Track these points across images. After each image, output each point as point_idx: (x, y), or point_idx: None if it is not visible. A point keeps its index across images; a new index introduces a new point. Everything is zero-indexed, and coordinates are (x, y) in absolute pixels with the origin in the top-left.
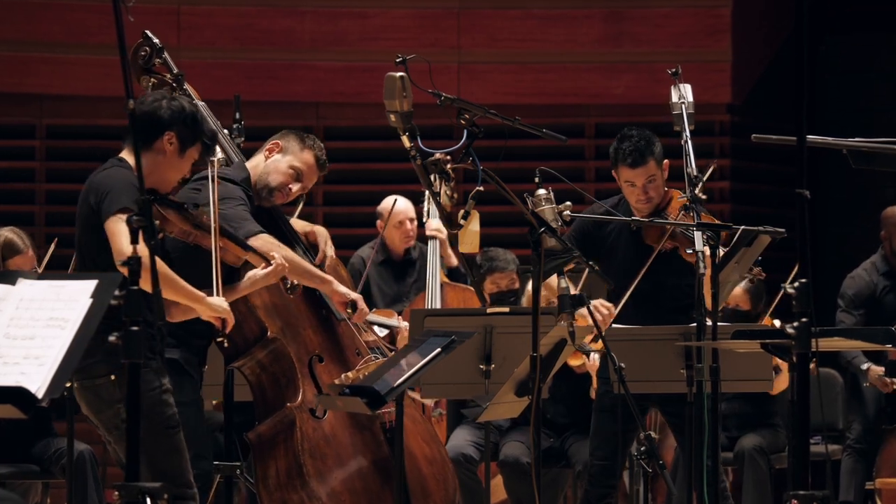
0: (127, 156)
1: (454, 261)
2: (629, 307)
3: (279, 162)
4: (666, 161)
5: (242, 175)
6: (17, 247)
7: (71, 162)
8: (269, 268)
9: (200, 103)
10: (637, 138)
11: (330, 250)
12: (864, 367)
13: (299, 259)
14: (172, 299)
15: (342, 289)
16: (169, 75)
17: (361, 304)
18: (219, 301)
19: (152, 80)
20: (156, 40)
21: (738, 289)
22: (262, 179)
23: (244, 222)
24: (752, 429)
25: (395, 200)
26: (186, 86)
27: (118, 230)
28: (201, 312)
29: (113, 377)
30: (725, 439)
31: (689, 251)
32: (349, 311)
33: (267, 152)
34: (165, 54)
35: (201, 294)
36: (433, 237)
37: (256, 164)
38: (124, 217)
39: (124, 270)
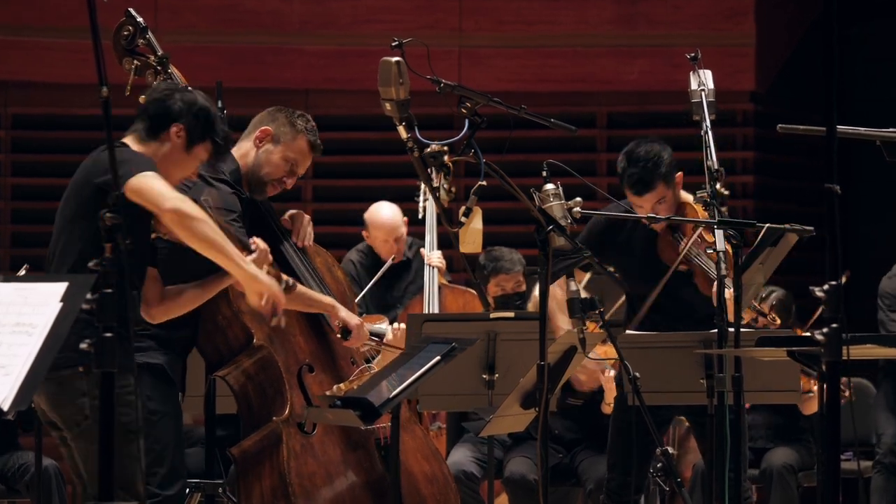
0: (130, 142)
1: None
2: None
3: (271, 153)
4: (679, 174)
5: (231, 167)
6: None
7: (38, 154)
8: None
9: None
10: (644, 161)
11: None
12: None
13: (308, 292)
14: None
15: (344, 313)
16: (153, 57)
17: (359, 330)
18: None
19: (135, 62)
20: (140, 19)
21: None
22: (253, 172)
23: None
24: (781, 442)
25: (381, 211)
26: (172, 69)
27: (149, 183)
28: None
29: (81, 368)
30: (751, 452)
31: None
32: (339, 335)
33: (257, 140)
34: (150, 34)
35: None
36: (430, 265)
37: (245, 154)
38: (152, 174)
39: (174, 217)
